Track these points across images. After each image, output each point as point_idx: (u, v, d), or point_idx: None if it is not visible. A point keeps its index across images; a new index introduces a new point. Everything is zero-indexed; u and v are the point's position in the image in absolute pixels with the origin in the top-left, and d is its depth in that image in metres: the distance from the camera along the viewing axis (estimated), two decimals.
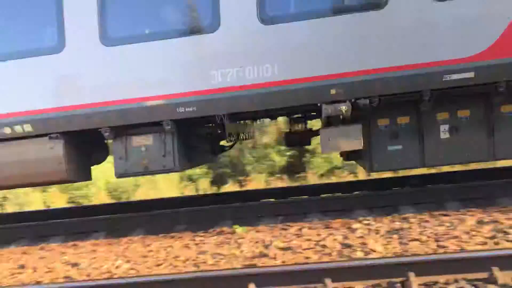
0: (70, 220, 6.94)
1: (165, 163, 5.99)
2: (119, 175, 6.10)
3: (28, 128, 5.99)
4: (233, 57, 5.53)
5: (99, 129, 5.88)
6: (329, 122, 5.79)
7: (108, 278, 4.21)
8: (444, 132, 5.59)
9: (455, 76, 5.15)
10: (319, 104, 5.51)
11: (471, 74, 5.11)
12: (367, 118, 5.75)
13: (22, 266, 5.11)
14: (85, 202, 11.27)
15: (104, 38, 5.73)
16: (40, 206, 11.44)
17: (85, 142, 6.40)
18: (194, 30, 5.67)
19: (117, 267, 4.77)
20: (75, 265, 4.98)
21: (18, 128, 6.02)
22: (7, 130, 6.02)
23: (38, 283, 4.44)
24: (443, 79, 5.16)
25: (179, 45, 5.67)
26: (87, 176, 6.67)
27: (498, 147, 5.50)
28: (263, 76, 5.47)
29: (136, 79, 5.71)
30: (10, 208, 11.81)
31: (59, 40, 5.83)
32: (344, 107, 5.40)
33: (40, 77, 5.91)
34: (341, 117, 5.55)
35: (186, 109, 5.65)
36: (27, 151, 6.06)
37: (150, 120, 5.77)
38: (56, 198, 11.86)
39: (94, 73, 5.80)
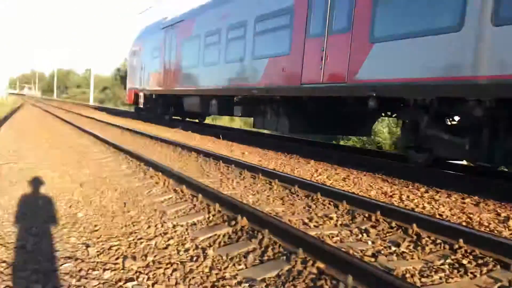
0: None
1: None
2: None
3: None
4: None
5: None
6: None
7: None
8: (270, 114, 11.85)
9: (254, 91, 11.75)
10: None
11: (256, 91, 11.65)
12: (253, 104, 12.89)
13: None
14: None
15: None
16: None
17: None
18: None
19: None
20: None
21: None
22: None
23: None
24: (251, 91, 11.89)
25: None
26: None
27: (279, 126, 11.51)
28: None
29: None
30: None
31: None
32: (235, 98, 13.72)
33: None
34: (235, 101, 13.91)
35: None
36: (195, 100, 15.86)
37: None
38: None
39: None
